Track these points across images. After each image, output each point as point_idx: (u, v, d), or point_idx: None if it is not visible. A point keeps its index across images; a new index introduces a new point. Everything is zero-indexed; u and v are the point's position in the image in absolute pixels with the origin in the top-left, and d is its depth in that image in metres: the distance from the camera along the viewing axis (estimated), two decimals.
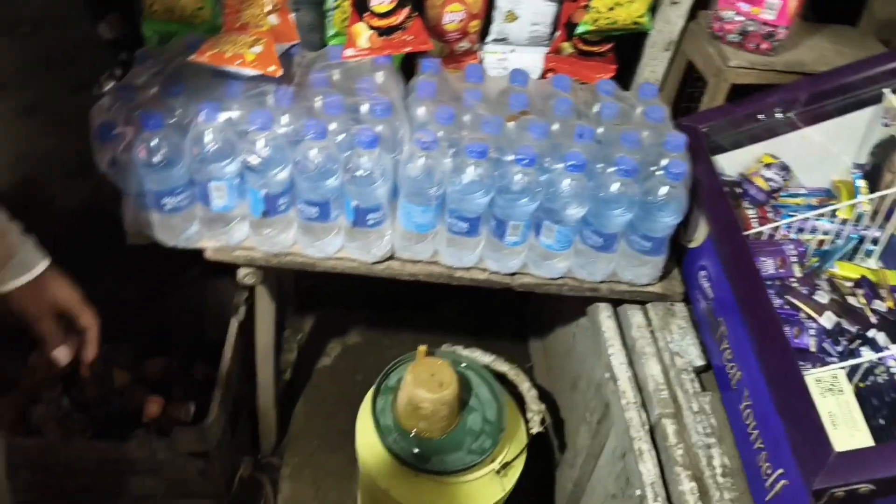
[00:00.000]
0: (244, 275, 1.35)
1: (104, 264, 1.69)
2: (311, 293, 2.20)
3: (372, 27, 1.28)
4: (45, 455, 1.50)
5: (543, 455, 1.74)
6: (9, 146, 1.98)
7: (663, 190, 1.20)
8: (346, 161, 1.19)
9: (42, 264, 0.92)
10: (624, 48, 1.49)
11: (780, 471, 1.02)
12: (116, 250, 1.50)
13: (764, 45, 1.37)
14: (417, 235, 1.28)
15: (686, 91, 1.55)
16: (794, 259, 1.29)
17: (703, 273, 1.32)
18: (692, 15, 1.43)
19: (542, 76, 1.49)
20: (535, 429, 1.48)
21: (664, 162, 1.22)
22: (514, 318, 2.20)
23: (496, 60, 1.47)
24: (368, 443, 1.41)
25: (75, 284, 0.97)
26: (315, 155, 1.17)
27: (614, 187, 1.20)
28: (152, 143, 1.13)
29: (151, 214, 1.23)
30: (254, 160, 1.15)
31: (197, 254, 1.34)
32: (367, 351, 2.12)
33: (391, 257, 1.33)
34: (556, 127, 1.27)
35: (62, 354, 0.96)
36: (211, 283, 1.79)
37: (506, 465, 1.40)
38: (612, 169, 1.19)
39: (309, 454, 1.86)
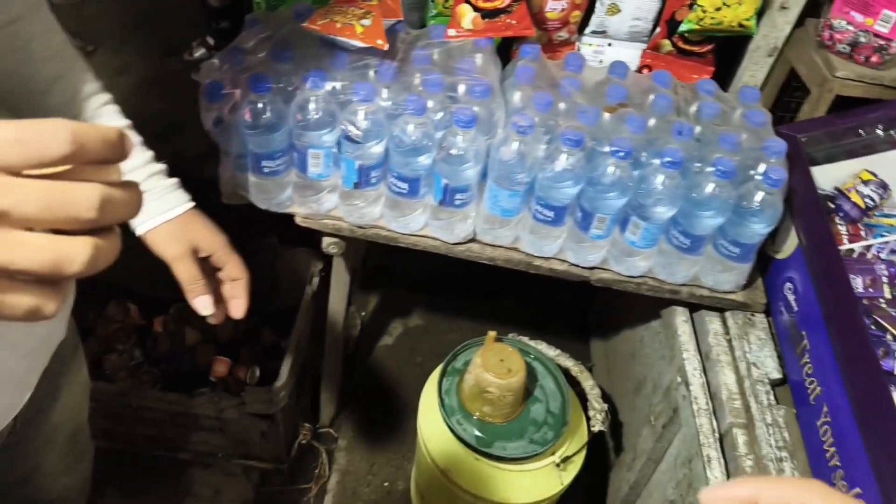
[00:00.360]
0: (328, 244, 1.37)
1: None
2: (377, 272, 2.22)
3: (477, 9, 1.29)
4: (117, 401, 1.55)
5: (599, 455, 1.73)
6: None
7: (759, 196, 1.18)
8: (441, 139, 1.20)
9: (184, 206, 0.87)
10: (721, 50, 1.46)
11: (856, 490, 1.00)
12: None
13: (874, 58, 1.33)
14: (501, 220, 1.28)
15: (783, 100, 1.51)
16: (885, 280, 1.25)
17: (788, 285, 1.29)
18: (799, 22, 1.39)
19: (638, 72, 1.47)
20: (598, 427, 1.46)
21: (762, 167, 1.19)
22: (576, 316, 2.19)
23: (592, 53, 1.45)
24: (432, 421, 1.42)
25: (221, 231, 0.89)
26: (412, 130, 1.18)
27: (709, 188, 1.17)
28: (258, 106, 1.15)
29: (249, 176, 1.25)
30: (353, 131, 1.16)
31: (273, 223, 1.36)
32: (427, 334, 2.14)
33: (472, 240, 1.34)
34: (653, 122, 1.25)
35: (204, 304, 0.85)
36: (285, 253, 1.82)
37: (566, 460, 1.39)
38: (709, 169, 1.17)
39: (364, 429, 1.88)
